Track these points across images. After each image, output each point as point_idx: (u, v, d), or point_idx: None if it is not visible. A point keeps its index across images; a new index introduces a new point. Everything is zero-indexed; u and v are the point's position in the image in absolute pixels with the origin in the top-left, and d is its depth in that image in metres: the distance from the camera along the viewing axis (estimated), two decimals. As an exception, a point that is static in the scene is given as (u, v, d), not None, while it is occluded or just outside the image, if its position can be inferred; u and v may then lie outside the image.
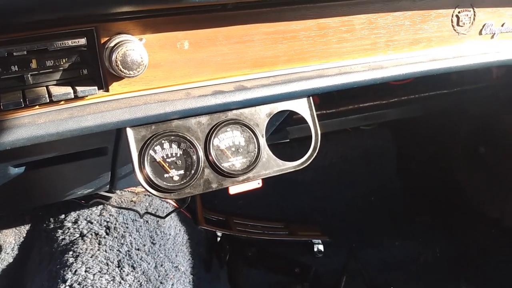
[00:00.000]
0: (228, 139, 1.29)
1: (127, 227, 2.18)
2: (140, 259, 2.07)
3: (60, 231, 2.23)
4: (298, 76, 1.34)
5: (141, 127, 1.20)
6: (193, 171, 1.24)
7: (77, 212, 2.27)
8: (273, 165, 1.33)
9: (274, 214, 2.71)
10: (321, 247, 2.55)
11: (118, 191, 2.27)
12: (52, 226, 2.29)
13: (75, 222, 2.24)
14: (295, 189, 2.72)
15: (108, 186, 1.82)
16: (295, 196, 2.74)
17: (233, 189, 1.38)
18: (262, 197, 2.55)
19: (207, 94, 1.23)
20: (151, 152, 1.20)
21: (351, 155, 2.77)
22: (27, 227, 2.38)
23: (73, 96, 1.10)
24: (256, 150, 1.31)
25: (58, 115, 1.11)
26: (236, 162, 1.29)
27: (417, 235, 2.73)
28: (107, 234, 2.16)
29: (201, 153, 1.24)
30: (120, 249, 2.10)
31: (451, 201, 2.75)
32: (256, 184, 1.42)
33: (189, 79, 1.24)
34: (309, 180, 2.70)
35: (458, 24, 1.56)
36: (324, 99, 2.19)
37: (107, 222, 2.20)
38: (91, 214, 2.24)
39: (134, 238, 2.14)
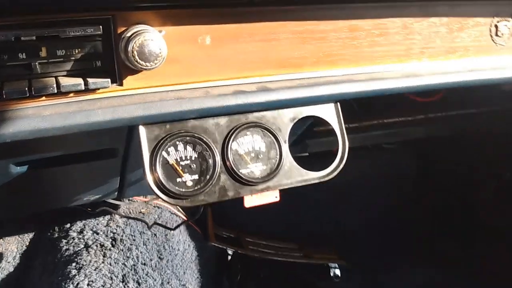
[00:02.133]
0: (247, 143, 1.19)
1: (134, 240, 2.07)
2: (146, 274, 1.96)
3: (64, 240, 2.13)
4: (326, 80, 1.24)
5: (154, 125, 1.10)
6: (208, 177, 1.13)
7: (83, 221, 2.17)
8: (296, 175, 1.23)
9: (288, 234, 2.58)
10: (338, 272, 2.41)
11: (126, 200, 2.17)
12: (56, 235, 2.19)
13: (81, 232, 2.14)
14: (311, 208, 2.60)
15: (116, 193, 1.72)
16: (310, 216, 2.62)
17: (249, 202, 1.27)
18: (275, 216, 2.43)
19: (227, 93, 1.13)
20: (164, 153, 1.10)
21: (370, 174, 2.65)
22: (31, 235, 2.28)
23: (83, 88, 1.01)
24: (278, 157, 1.20)
25: (66, 108, 1.02)
26: (256, 169, 1.19)
27: (438, 260, 2.58)
28: (113, 246, 2.05)
29: (218, 157, 1.14)
30: (126, 263, 1.98)
31: (474, 226, 2.61)
32: (274, 197, 1.31)
33: (209, 77, 1.15)
34: (326, 199, 2.58)
35: (496, 35, 1.46)
36: (345, 112, 2.08)
37: (114, 233, 2.10)
38: (97, 224, 2.14)
39: (141, 252, 2.03)
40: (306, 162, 2.29)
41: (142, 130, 1.09)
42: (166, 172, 1.10)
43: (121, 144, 1.29)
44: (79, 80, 1.01)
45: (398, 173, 2.70)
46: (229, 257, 2.32)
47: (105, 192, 1.69)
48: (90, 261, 2.00)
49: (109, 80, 1.03)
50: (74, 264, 2.00)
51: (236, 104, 1.13)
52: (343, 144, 1.29)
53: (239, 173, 1.16)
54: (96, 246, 2.06)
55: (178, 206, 2.30)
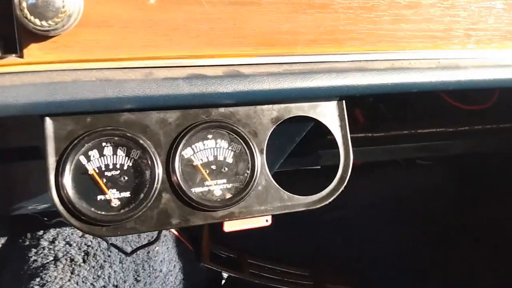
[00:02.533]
0: (206, 150, 0.84)
1: (109, 256, 1.75)
2: (116, 299, 1.64)
3: (34, 250, 1.83)
4: (327, 67, 0.87)
5: (68, 118, 0.77)
6: (142, 195, 0.79)
7: (57, 229, 1.87)
8: (274, 198, 0.87)
9: (298, 257, 2.21)
10: (353, 308, 2.02)
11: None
12: (27, 242, 1.90)
13: (53, 241, 1.84)
14: (327, 228, 2.21)
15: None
16: (325, 237, 2.24)
17: (229, 225, 0.93)
18: (285, 235, 2.07)
19: (179, 77, 0.79)
20: (81, 158, 0.77)
21: (399, 195, 2.24)
22: (3, 240, 2.00)
23: None
24: (249, 172, 0.85)
25: None
26: (216, 188, 0.83)
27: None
28: (84, 261, 1.74)
29: (159, 168, 0.80)
30: (95, 283, 1.67)
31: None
32: (262, 221, 0.96)
33: (154, 52, 0.81)
34: (345, 219, 2.19)
35: None
36: (371, 118, 1.71)
37: (88, 246, 1.79)
38: (72, 234, 1.84)
39: (115, 271, 1.72)
40: (317, 176, 1.94)
41: (48, 123, 0.76)
42: (81, 185, 0.77)
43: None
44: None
45: (434, 195, 2.27)
46: (223, 282, 1.97)
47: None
48: (56, 278, 1.70)
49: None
50: (38, 279, 1.71)
51: (192, 94, 0.79)
52: (345, 158, 0.92)
53: (189, 193, 0.81)
54: (66, 259, 1.76)
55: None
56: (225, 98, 0.81)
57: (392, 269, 2.27)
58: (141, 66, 0.80)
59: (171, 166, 0.80)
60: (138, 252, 1.80)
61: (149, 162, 0.79)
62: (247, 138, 0.84)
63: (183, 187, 0.80)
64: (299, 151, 1.09)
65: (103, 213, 0.77)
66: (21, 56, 0.74)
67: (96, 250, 1.78)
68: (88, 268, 1.73)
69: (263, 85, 0.82)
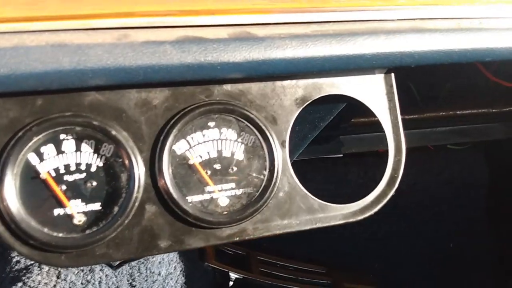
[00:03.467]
0: (207, 144, 0.60)
1: (99, 257, 1.54)
2: (108, 308, 1.43)
3: (16, 250, 1.62)
4: (372, 27, 0.63)
5: (11, 100, 0.54)
6: (117, 209, 0.56)
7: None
8: (300, 209, 0.63)
9: (314, 253, 1.98)
10: (375, 309, 1.82)
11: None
12: (10, 241, 1.69)
13: (37, 240, 1.63)
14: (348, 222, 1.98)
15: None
16: (345, 231, 2.01)
17: None
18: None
19: (166, 40, 0.55)
20: (30, 156, 0.54)
21: (428, 184, 2.00)
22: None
23: None
24: (267, 172, 0.61)
25: None
26: (221, 196, 0.60)
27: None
28: (71, 264, 1.53)
29: (140, 170, 0.57)
30: (83, 290, 1.46)
31: None
32: None
33: (130, 6, 0.57)
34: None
35: None
36: (400, 99, 1.46)
37: (76, 246, 1.57)
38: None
39: (106, 275, 1.51)
40: (339, 165, 1.70)
41: (-20, 107, 0.53)
42: (30, 195, 0.54)
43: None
44: None
45: (465, 184, 2.03)
46: (231, 284, 1.75)
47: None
48: (40, 282, 1.50)
49: None
50: (20, 284, 1.52)
51: (185, 64, 0.55)
52: (396, 153, 0.68)
53: (183, 203, 0.58)
54: (51, 262, 1.55)
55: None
56: (232, 70, 0.58)
57: (416, 270, 2.06)
58: (112, 27, 0.56)
59: (158, 167, 0.57)
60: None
61: (126, 161, 0.57)
62: (263, 127, 0.61)
63: (175, 196, 0.57)
64: (318, 139, 0.86)
65: (61, 235, 0.54)
66: None
67: (86, 250, 1.57)
68: (76, 272, 1.52)
69: (284, 52, 0.58)
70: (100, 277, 1.50)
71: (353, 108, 0.84)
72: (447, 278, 2.01)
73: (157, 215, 0.58)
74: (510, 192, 1.98)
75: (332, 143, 1.47)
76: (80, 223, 0.55)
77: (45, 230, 0.53)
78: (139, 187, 0.56)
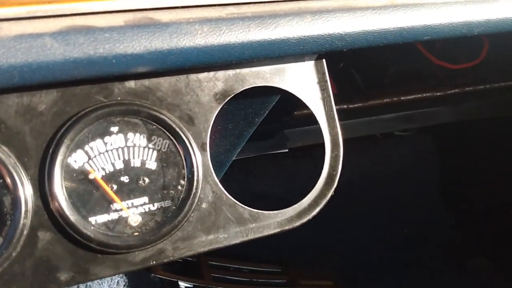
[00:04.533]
0: (111, 153, 0.51)
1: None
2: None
3: None
4: (297, 7, 0.55)
5: None
6: (1, 240, 0.46)
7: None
8: (228, 220, 0.55)
9: (268, 253, 1.92)
10: (333, 306, 1.78)
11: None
12: None
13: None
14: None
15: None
16: (298, 228, 1.95)
17: None
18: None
19: (46, 32, 0.45)
20: None
21: (378, 172, 1.97)
22: None
23: None
24: (185, 182, 0.53)
25: None
26: (131, 214, 0.51)
27: (469, 284, 1.93)
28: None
29: (26, 191, 0.47)
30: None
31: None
32: None
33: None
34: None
35: None
36: (344, 88, 1.41)
37: None
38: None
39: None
40: (288, 158, 1.64)
41: None
42: None
43: None
44: None
45: (415, 169, 2.02)
46: (182, 293, 1.67)
47: None
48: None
49: None
50: None
51: (70, 60, 0.46)
52: (333, 148, 0.61)
53: (82, 228, 0.48)
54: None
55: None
56: (132, 63, 0.48)
57: (370, 261, 2.03)
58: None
59: (48, 186, 0.47)
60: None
61: (9, 181, 0.46)
62: (176, 128, 0.52)
63: (72, 219, 0.47)
64: (257, 131, 0.78)
65: None
66: None
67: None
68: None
69: (194, 40, 0.50)
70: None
71: (294, 100, 0.77)
72: (405, 266, 1.99)
73: (53, 243, 0.48)
74: (462, 173, 1.99)
75: (277, 138, 1.40)
76: (-48, 260, 0.45)
77: None
78: (26, 211, 0.46)
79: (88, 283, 1.44)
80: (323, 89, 0.60)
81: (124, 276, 1.54)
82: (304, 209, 0.59)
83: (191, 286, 1.66)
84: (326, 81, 0.60)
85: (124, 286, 1.52)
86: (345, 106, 1.39)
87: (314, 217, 1.75)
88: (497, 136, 1.77)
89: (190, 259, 1.79)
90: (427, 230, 2.05)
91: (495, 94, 1.53)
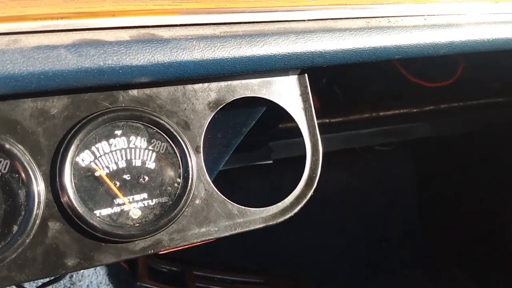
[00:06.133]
0: (115, 153, 0.57)
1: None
2: None
3: None
4: (283, 27, 0.63)
5: None
6: (16, 228, 0.51)
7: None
8: (219, 215, 0.61)
9: (250, 263, 1.97)
10: (314, 315, 1.81)
11: None
12: None
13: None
14: (281, 229, 1.97)
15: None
16: (280, 239, 2.01)
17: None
18: (234, 240, 1.80)
19: (61, 45, 0.51)
20: None
21: (358, 186, 2.04)
22: None
23: None
24: (181, 180, 0.59)
25: None
26: (132, 208, 0.57)
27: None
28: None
29: (39, 186, 0.52)
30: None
31: (498, 255, 2.01)
32: None
33: (24, 10, 0.53)
34: (300, 217, 1.95)
35: None
36: (326, 103, 1.48)
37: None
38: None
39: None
40: (272, 172, 1.69)
41: None
42: None
43: None
44: None
45: (394, 184, 2.09)
46: (167, 301, 1.69)
47: None
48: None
49: None
50: None
51: (81, 70, 0.52)
52: (313, 153, 0.68)
53: (90, 218, 0.54)
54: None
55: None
56: (136, 74, 0.54)
57: (349, 273, 2.08)
58: (0, 32, 0.51)
59: (59, 181, 0.53)
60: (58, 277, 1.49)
61: (24, 176, 0.52)
62: (174, 132, 0.58)
63: (80, 211, 0.53)
64: (243, 143, 0.84)
65: None
66: None
67: None
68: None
69: (192, 54, 0.56)
70: (23, 307, 1.40)
71: (279, 113, 0.83)
72: (381, 276, 2.05)
73: (62, 232, 0.53)
74: (436, 186, 2.06)
75: (262, 150, 1.46)
76: (-28, 247, 0.50)
77: None
78: (39, 203, 0.52)
79: (78, 285, 1.47)
80: (305, 100, 0.67)
81: (111, 285, 1.57)
82: (286, 207, 0.65)
83: (176, 294, 1.70)
84: (308, 93, 0.67)
85: (111, 293, 1.55)
86: (327, 120, 1.46)
87: (293, 232, 1.82)
88: (470, 150, 1.85)
89: (175, 269, 1.83)
90: (402, 242, 2.12)
91: (468, 111, 1.62)
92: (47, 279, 1.19)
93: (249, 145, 1.40)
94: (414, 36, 0.68)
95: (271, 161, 1.49)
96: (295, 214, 0.66)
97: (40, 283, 1.23)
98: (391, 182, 2.06)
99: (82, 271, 1.53)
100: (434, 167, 2.07)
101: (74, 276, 1.50)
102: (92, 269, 1.55)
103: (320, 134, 1.49)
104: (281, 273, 1.97)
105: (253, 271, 1.97)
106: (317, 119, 1.53)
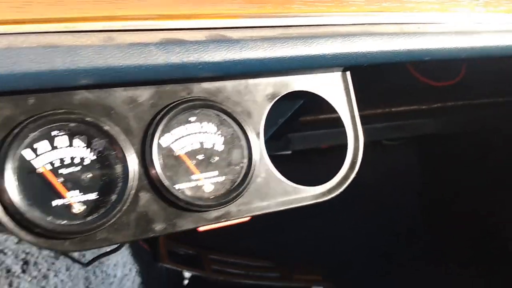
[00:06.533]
0: (191, 136, 0.67)
1: (53, 263, 1.53)
2: (66, 313, 1.43)
3: (-41, 262, 1.57)
4: (330, 31, 0.72)
5: (3, 99, 0.57)
6: (115, 197, 0.61)
7: (-13, 236, 1.61)
8: (276, 191, 0.71)
9: (262, 250, 2.07)
10: (323, 297, 1.92)
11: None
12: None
13: (-17, 251, 1.58)
14: (292, 218, 2.08)
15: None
16: (291, 228, 2.11)
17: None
18: (247, 227, 1.90)
19: (151, 42, 0.61)
20: (25, 152, 0.57)
21: (365, 179, 2.13)
22: None
23: None
24: (246, 161, 0.68)
25: None
26: (207, 183, 0.67)
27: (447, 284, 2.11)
28: (24, 271, 1.51)
29: (133, 161, 0.62)
30: (39, 297, 1.45)
31: (497, 251, 2.11)
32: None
33: (117, 11, 0.62)
34: (310, 208, 2.05)
35: None
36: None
37: (27, 254, 1.55)
38: (5, 240, 1.59)
39: (62, 280, 1.50)
40: (288, 162, 1.79)
41: (-23, 107, 0.56)
42: (30, 187, 0.57)
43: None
44: None
45: (401, 178, 2.19)
46: (186, 282, 1.80)
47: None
48: (-10, 292, 1.46)
49: None
50: (-32, 294, 1.46)
51: (166, 64, 0.61)
52: (355, 141, 0.78)
53: (173, 190, 0.63)
54: (1, 271, 1.51)
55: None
56: (211, 69, 0.64)
57: (358, 261, 2.18)
58: (96, 29, 0.61)
59: (149, 158, 0.62)
60: (86, 257, 1.59)
61: (120, 153, 0.61)
62: (240, 120, 0.68)
63: (166, 184, 0.63)
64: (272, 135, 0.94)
65: (64, 222, 0.58)
66: None
67: (37, 257, 1.55)
68: (30, 279, 1.50)
69: (258, 53, 0.66)
70: (55, 283, 1.49)
71: (308, 107, 0.93)
72: (389, 268, 2.15)
73: (151, 201, 0.63)
74: (442, 180, 2.16)
75: (282, 141, 1.56)
76: (80, 211, 0.59)
77: (49, 218, 0.57)
78: (133, 176, 0.61)
79: (106, 264, 1.56)
80: (347, 95, 0.77)
81: (136, 264, 1.67)
82: (332, 186, 0.75)
83: (195, 275, 1.80)
84: (350, 89, 0.77)
85: (135, 272, 1.64)
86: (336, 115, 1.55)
87: (304, 222, 1.92)
88: (475, 147, 1.96)
89: (192, 252, 1.93)
90: (408, 235, 2.22)
91: (472, 110, 1.72)
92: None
93: (273, 136, 1.49)
94: (441, 40, 0.78)
95: (290, 152, 1.59)
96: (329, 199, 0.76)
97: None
98: (396, 175, 2.17)
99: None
100: (439, 162, 2.18)
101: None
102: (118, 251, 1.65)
103: (328, 128, 1.58)
104: (291, 260, 2.08)
105: (264, 256, 2.07)
106: (331, 114, 1.63)
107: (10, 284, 1.48)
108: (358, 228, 2.19)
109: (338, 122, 1.73)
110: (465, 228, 2.16)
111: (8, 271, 1.51)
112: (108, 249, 1.38)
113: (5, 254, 1.56)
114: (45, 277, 1.50)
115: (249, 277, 1.94)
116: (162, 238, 1.82)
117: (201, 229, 0.83)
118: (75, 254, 1.54)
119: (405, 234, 2.22)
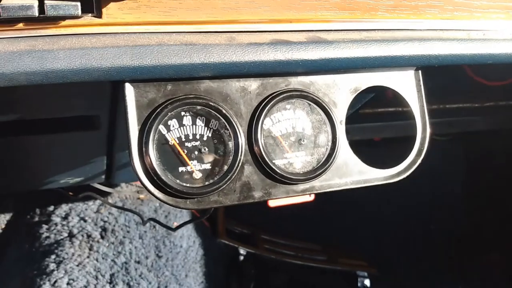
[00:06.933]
0: (286, 121, 0.80)
1: (128, 232, 1.71)
2: (140, 275, 1.60)
3: (45, 226, 1.77)
4: (407, 35, 0.84)
5: (149, 84, 0.72)
6: (226, 167, 0.75)
7: (69, 205, 1.80)
8: (353, 171, 0.84)
9: (311, 233, 2.20)
10: (367, 282, 2.02)
11: (120, 184, 1.80)
12: (36, 219, 1.83)
13: (65, 217, 1.77)
14: (340, 205, 2.20)
15: (103, 176, 1.34)
16: (338, 214, 2.23)
17: (275, 200, 0.90)
18: (298, 211, 2.04)
19: (262, 42, 0.74)
20: (161, 128, 0.72)
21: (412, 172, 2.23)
22: (8, 216, 1.92)
23: (36, 14, 0.63)
24: (330, 144, 0.81)
25: (9, 45, 0.64)
26: (297, 161, 0.80)
27: (484, 278, 2.18)
28: (102, 237, 1.69)
29: (242, 139, 0.76)
30: (116, 260, 1.62)
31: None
32: (307, 196, 0.93)
33: (235, 15, 0.76)
34: (358, 196, 2.17)
35: None
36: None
37: (105, 222, 1.74)
38: (86, 209, 1.78)
39: (135, 247, 1.67)
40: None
41: (129, 90, 0.71)
42: (163, 156, 0.72)
43: (104, 110, 0.91)
44: (32, 1, 0.63)
45: (446, 173, 2.28)
46: (241, 258, 1.95)
47: (90, 174, 1.32)
48: (73, 255, 1.64)
49: (78, 4, 0.64)
50: (53, 256, 1.65)
51: (275, 61, 0.74)
52: (423, 131, 0.89)
53: (271, 165, 0.77)
54: (82, 236, 1.70)
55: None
56: (309, 65, 0.77)
57: (399, 249, 2.28)
58: (222, 30, 0.75)
59: (254, 137, 0.76)
60: (157, 228, 1.76)
61: (231, 132, 0.75)
62: (328, 109, 0.81)
63: (266, 159, 0.76)
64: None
65: (186, 185, 0.73)
66: (99, 16, 0.69)
67: (114, 225, 1.73)
68: (107, 245, 1.67)
69: (347, 52, 0.78)
70: (130, 249, 1.67)
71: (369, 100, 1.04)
72: (427, 256, 2.24)
73: (253, 173, 0.77)
74: (485, 176, 2.23)
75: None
76: (198, 177, 0.74)
77: (177, 181, 0.72)
78: (241, 151, 0.75)
79: (174, 235, 1.73)
80: (419, 90, 0.88)
81: (199, 238, 1.82)
82: (401, 170, 0.87)
83: (249, 252, 1.94)
84: (421, 85, 0.88)
85: (198, 245, 1.80)
86: (391, 109, 1.66)
87: (350, 210, 2.02)
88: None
89: (247, 231, 2.07)
90: (448, 226, 2.30)
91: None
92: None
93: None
94: (502, 47, 0.89)
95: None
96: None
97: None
98: (442, 169, 2.24)
99: (174, 224, 1.79)
100: (484, 158, 2.24)
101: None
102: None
103: (379, 121, 1.67)
104: (337, 244, 2.19)
105: (312, 239, 2.19)
106: (389, 107, 1.72)
107: (91, 248, 1.67)
108: (401, 219, 2.28)
109: (392, 116, 1.83)
110: (504, 220, 2.22)
111: (89, 236, 1.70)
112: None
113: (85, 221, 1.75)
114: (121, 243, 1.67)
115: (298, 257, 2.07)
116: (221, 216, 1.98)
117: (272, 205, 0.97)
118: (163, 220, 1.71)
119: (444, 226, 2.30)
